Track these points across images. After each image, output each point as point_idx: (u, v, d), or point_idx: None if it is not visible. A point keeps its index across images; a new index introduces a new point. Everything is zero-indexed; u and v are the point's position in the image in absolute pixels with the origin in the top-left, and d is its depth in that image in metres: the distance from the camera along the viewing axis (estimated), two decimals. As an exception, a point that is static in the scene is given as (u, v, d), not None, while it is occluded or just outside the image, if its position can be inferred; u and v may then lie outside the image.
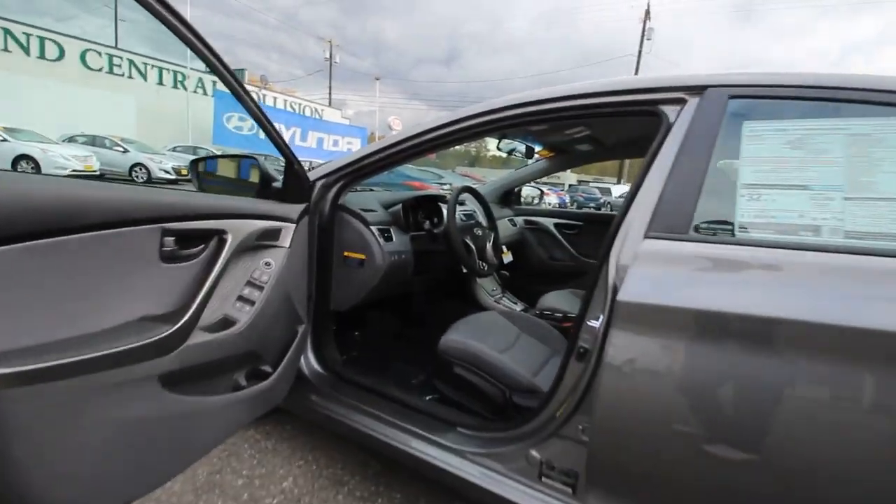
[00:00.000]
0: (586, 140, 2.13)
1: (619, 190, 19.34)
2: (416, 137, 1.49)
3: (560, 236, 2.76)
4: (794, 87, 1.03)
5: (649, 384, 0.97)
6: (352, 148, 21.94)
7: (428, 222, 1.94)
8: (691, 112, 1.11)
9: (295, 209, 1.41)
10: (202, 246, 1.10)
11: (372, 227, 1.68)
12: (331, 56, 28.60)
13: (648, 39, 23.67)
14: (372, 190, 2.28)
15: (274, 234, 1.30)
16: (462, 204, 2.41)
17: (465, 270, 2.13)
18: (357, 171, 1.59)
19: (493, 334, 1.71)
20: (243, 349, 1.19)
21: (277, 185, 1.44)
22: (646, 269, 1.02)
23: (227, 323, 1.14)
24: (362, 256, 1.67)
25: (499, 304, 2.17)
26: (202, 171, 1.50)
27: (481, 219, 2.22)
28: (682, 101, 1.15)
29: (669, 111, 1.15)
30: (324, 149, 20.17)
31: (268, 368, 1.33)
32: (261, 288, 1.22)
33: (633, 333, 0.99)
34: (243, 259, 1.22)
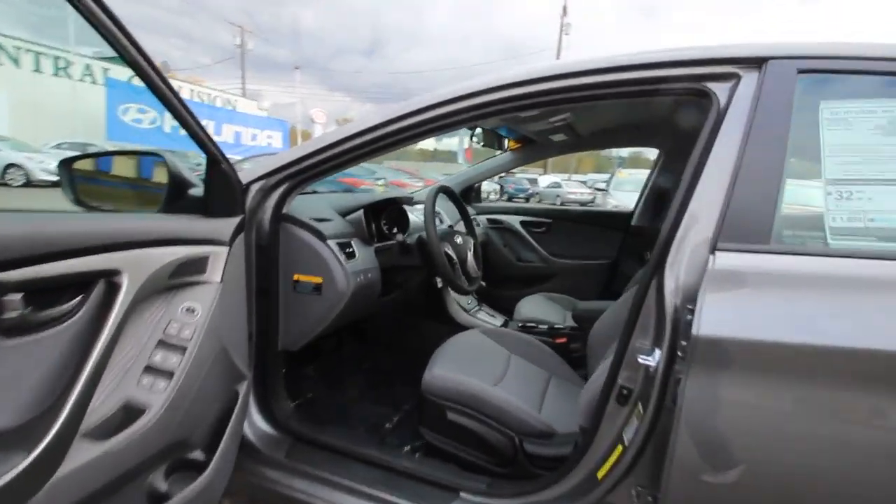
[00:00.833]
0: (570, 127, 1.90)
1: (547, 180, 19.92)
2: (382, 127, 1.14)
3: (528, 235, 2.54)
4: (879, 60, 0.84)
5: (751, 446, 0.74)
6: (272, 143, 20.47)
7: (394, 230, 1.60)
8: (751, 91, 0.89)
9: (226, 225, 1.01)
10: (78, 299, 0.69)
11: (330, 242, 1.31)
12: (242, 42, 26.43)
13: (566, 34, 24.60)
14: (315, 192, 1.88)
15: (197, 266, 0.91)
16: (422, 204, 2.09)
17: (439, 285, 1.82)
18: (306, 171, 1.21)
19: (481, 362, 1.43)
20: (160, 445, 0.80)
21: (197, 191, 1.03)
22: (727, 291, 0.78)
23: (130, 413, 0.74)
24: (318, 280, 1.30)
25: (475, 319, 1.89)
26: (79, 176, 1.05)
27: (450, 222, 1.92)
28: (733, 77, 0.92)
29: (719, 90, 0.93)
30: (242, 143, 18.60)
31: (199, 456, 0.93)
32: (181, 349, 0.83)
33: (722, 378, 0.76)
34: (150, 309, 0.82)
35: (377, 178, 9.36)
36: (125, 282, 0.73)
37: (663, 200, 2.22)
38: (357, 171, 9.31)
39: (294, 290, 1.31)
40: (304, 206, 1.40)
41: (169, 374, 0.80)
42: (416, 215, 1.87)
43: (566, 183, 19.18)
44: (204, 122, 0.94)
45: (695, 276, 0.82)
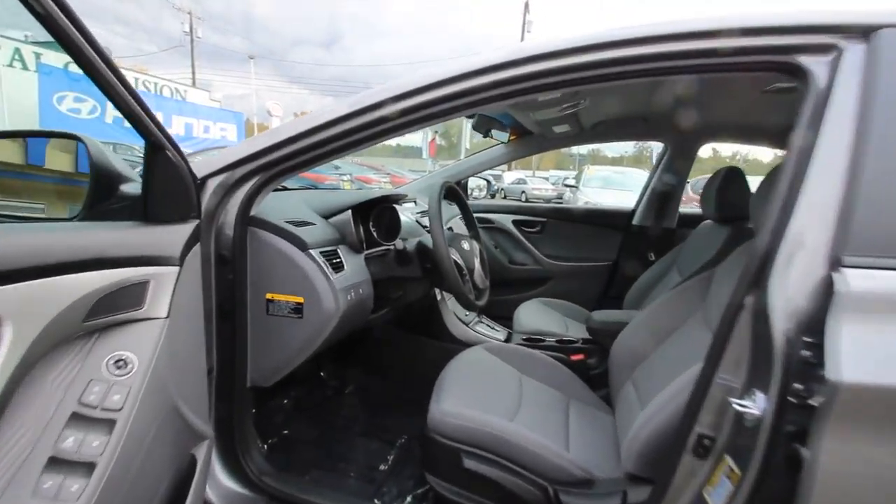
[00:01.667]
0: (577, 117, 1.70)
1: (511, 176, 19.90)
2: (391, 104, 0.90)
3: (521, 236, 2.34)
4: None
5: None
6: (226, 135, 19.36)
7: (384, 235, 1.35)
8: (858, 67, 0.71)
9: (174, 236, 0.74)
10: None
11: (312, 252, 1.05)
12: (192, 29, 24.88)
13: (529, 32, 24.73)
14: (285, 188, 1.59)
15: (131, 297, 0.63)
16: (412, 202, 1.84)
17: (439, 297, 1.58)
18: (284, 161, 0.95)
19: (493, 389, 1.21)
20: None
21: (132, 189, 0.75)
22: (867, 321, 0.60)
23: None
24: (298, 300, 1.03)
25: (475, 333, 1.67)
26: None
27: (454, 225, 1.68)
28: (831, 50, 0.74)
29: (815, 65, 0.74)
30: (194, 136, 17.52)
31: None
32: (108, 423, 0.55)
33: (877, 440, 0.57)
34: (57, 369, 0.54)
35: (342, 174, 8.92)
36: (6, 335, 0.45)
37: (669, 199, 2.07)
38: (319, 166, 8.88)
39: (267, 313, 1.04)
40: (276, 206, 1.12)
41: (88, 467, 0.52)
42: (405, 215, 1.62)
43: (530, 179, 19.26)
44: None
45: (813, 300, 0.62)
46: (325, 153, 0.94)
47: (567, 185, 10.08)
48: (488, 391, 1.19)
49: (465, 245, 1.26)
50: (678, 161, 2.01)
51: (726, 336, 0.74)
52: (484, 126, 1.69)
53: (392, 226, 1.42)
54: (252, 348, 1.04)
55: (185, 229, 0.76)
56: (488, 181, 2.58)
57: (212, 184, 0.92)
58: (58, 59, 13.18)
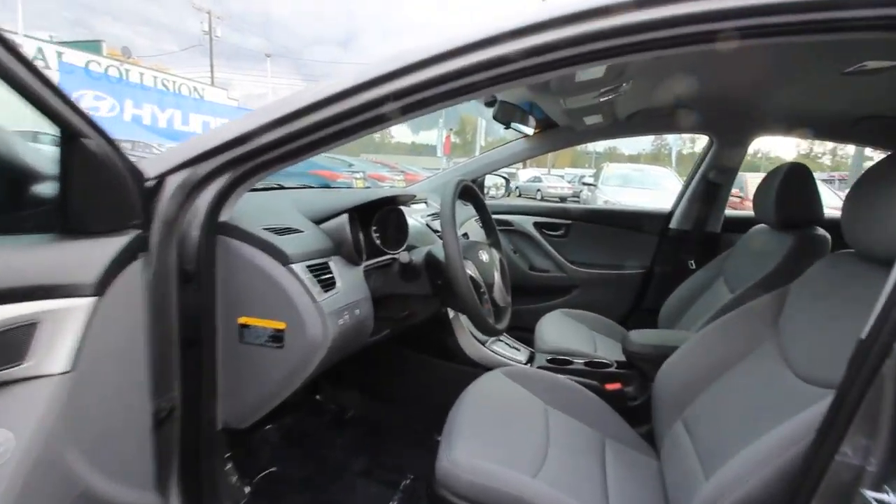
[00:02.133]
0: (612, 107, 1.48)
1: (527, 174, 19.61)
2: (386, 82, 0.70)
3: (543, 239, 2.12)
4: None
5: None
6: (243, 133, 19.44)
7: (390, 242, 1.15)
8: None
9: (93, 253, 0.55)
10: None
11: (296, 267, 0.85)
12: (210, 28, 25.14)
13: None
14: (280, 187, 1.41)
15: (5, 348, 0.44)
16: (422, 203, 1.63)
17: (451, 314, 1.38)
18: (256, 156, 0.76)
19: (515, 429, 1.01)
20: None
21: (42, 190, 0.57)
22: None
23: None
24: (279, 325, 0.84)
25: (493, 355, 1.46)
26: None
27: (470, 229, 1.48)
28: None
29: None
30: (208, 134, 17.58)
31: None
32: None
33: None
34: None
35: (354, 172, 8.75)
36: None
37: (713, 200, 1.83)
38: (331, 162, 8.70)
39: (241, 341, 0.85)
40: (255, 209, 0.93)
41: None
42: (414, 219, 1.42)
43: (546, 177, 18.96)
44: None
45: None
46: (307, 144, 0.74)
47: (585, 184, 9.77)
48: (509, 432, 0.99)
49: (484, 255, 1.06)
50: (726, 156, 1.77)
51: (859, 395, 0.52)
52: (506, 115, 1.48)
53: (399, 231, 1.22)
54: (223, 384, 0.86)
55: (114, 243, 0.57)
56: (506, 179, 2.36)
57: (171, 183, 0.73)
58: (79, 58, 13.39)
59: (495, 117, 1.49)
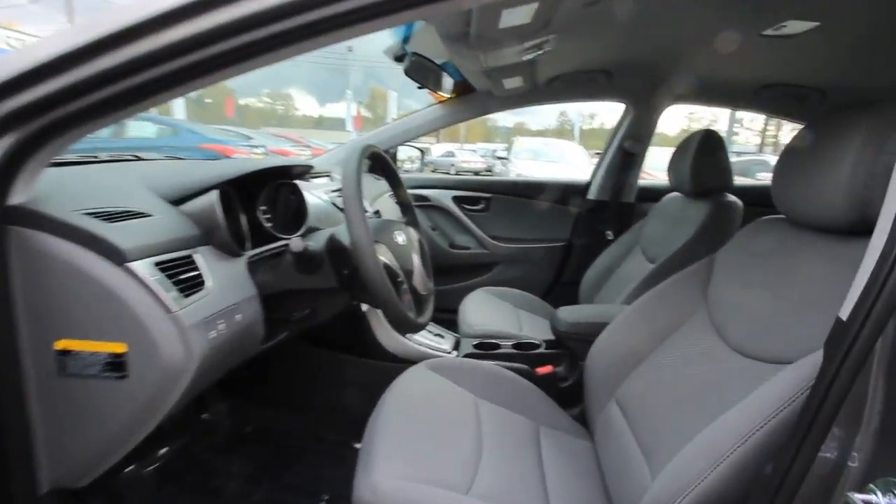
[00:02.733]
0: (532, 69, 1.35)
1: (440, 149, 19.49)
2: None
3: (463, 214, 1.99)
4: None
5: None
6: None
7: (284, 224, 0.93)
8: None
9: None
10: None
11: (137, 266, 0.61)
12: (62, -25, 21.10)
13: None
14: (138, 159, 1.09)
15: None
16: (324, 177, 1.40)
17: (371, 311, 1.19)
18: (53, 105, 0.50)
19: (444, 433, 0.90)
20: None
21: None
22: None
23: None
24: (117, 348, 0.60)
25: (413, 345, 1.31)
26: None
27: (373, 207, 1.28)
28: None
29: None
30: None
31: None
32: None
33: None
34: None
35: (253, 146, 7.91)
36: None
37: (629, 170, 1.82)
38: (224, 135, 7.77)
39: (61, 373, 0.60)
40: (76, 187, 0.67)
41: None
42: (315, 195, 1.19)
43: (459, 152, 19.03)
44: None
45: None
46: (134, 89, 0.50)
47: (498, 157, 9.92)
48: (437, 437, 0.86)
49: (399, 237, 0.88)
50: (641, 125, 1.75)
51: (847, 383, 0.45)
52: (419, 72, 1.29)
53: (296, 211, 1.00)
54: (43, 433, 0.60)
55: None
56: (421, 150, 2.19)
57: None
58: None
59: (407, 73, 1.29)
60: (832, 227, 0.70)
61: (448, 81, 1.48)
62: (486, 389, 1.06)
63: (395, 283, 0.80)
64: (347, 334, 1.22)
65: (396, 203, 1.07)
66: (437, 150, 19.38)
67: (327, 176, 1.37)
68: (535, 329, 1.55)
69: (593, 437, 1.01)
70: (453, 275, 2.02)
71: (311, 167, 1.04)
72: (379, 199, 1.46)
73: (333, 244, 0.83)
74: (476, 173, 15.85)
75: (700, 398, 0.76)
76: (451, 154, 18.05)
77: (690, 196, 1.43)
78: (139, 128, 6.89)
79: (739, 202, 1.32)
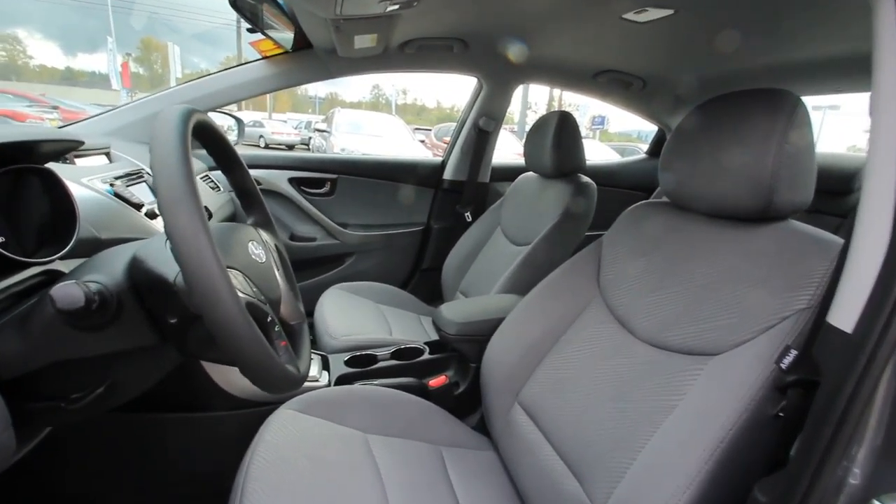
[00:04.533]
0: (390, 24, 1.11)
1: (245, 117, 17.26)
2: None
3: (303, 199, 1.66)
4: None
5: None
6: None
7: (29, 241, 0.53)
8: None
9: None
10: None
11: None
12: None
13: None
14: None
15: None
16: (100, 155, 0.94)
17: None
18: None
19: (331, 493, 0.69)
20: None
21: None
22: None
23: None
24: None
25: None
26: None
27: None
28: None
29: None
30: None
31: None
32: None
33: None
34: None
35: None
36: None
37: (483, 148, 1.76)
38: None
39: None
40: None
41: None
42: (86, 186, 0.76)
43: (268, 122, 17.16)
44: None
45: None
46: None
47: (318, 130, 9.20)
48: (328, 496, 0.65)
49: (256, 250, 0.58)
50: (495, 103, 1.70)
51: (850, 398, 0.41)
52: (247, 5, 0.92)
53: (55, 215, 0.60)
54: None
55: None
56: (237, 120, 1.74)
57: None
58: None
59: (233, 4, 0.91)
60: (732, 213, 0.70)
61: (286, 26, 1.14)
62: (375, 420, 0.87)
63: (266, 328, 0.52)
64: (174, 384, 0.84)
65: (231, 195, 0.73)
66: (272, 126, 17.01)
67: (104, 153, 0.91)
68: (407, 327, 1.39)
69: (497, 444, 0.92)
70: (298, 272, 1.69)
71: (78, 142, 0.62)
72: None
73: (140, 274, 0.49)
74: (290, 147, 14.49)
75: (621, 398, 0.71)
76: (258, 124, 16.10)
77: (548, 176, 1.44)
78: None
79: (594, 183, 1.38)
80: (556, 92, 10.39)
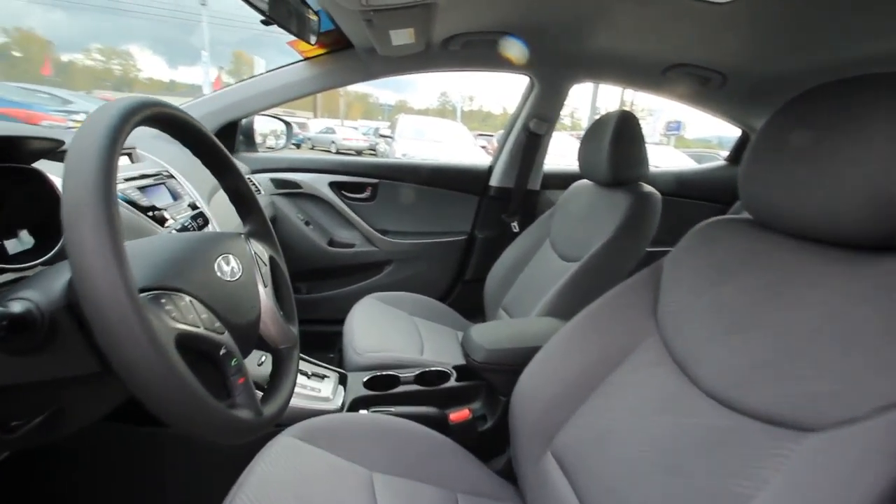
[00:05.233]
0: (426, 20, 1.03)
1: (319, 124, 18.26)
2: None
3: (343, 204, 1.62)
4: None
5: None
6: None
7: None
8: None
9: None
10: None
11: None
12: None
13: None
14: None
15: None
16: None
17: None
18: None
19: None
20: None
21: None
22: None
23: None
24: None
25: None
26: None
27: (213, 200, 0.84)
28: None
29: None
30: None
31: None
32: None
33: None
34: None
35: (73, 113, 6.24)
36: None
37: (534, 153, 1.62)
38: (31, 97, 6.01)
39: None
40: None
41: None
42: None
43: (339, 129, 18.02)
44: None
45: None
46: None
47: (382, 136, 9.45)
48: None
49: (226, 265, 0.50)
50: (548, 102, 1.55)
51: None
52: (280, 7, 0.87)
53: (50, 219, 0.57)
54: None
55: None
56: (287, 123, 1.74)
57: None
58: None
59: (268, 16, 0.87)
60: (841, 238, 0.52)
61: (313, 26, 1.09)
62: (383, 455, 0.77)
63: (217, 361, 0.44)
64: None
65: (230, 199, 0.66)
66: (315, 125, 18.09)
67: (126, 153, 0.90)
68: (440, 345, 1.28)
69: (524, 496, 0.78)
70: (335, 279, 1.65)
71: (57, 142, 0.59)
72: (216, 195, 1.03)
73: (60, 297, 0.42)
74: (359, 152, 15.09)
75: (677, 471, 0.54)
76: (330, 130, 16.96)
77: (604, 184, 1.27)
78: None
79: (658, 193, 1.19)
80: (630, 94, 9.81)
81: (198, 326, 0.42)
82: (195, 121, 0.53)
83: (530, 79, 1.54)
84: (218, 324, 0.45)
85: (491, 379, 0.96)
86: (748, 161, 0.62)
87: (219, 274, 0.49)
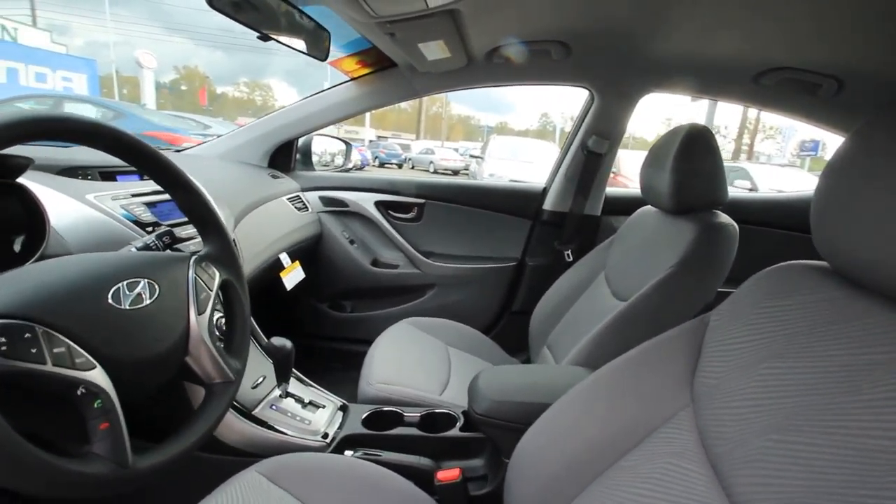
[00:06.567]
0: (463, 37, 0.96)
1: (420, 145, 19.16)
2: None
3: (388, 224, 1.59)
4: None
5: None
6: (71, 86, 15.98)
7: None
8: None
9: None
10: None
11: None
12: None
13: None
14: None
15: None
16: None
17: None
18: None
19: None
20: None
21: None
22: None
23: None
24: None
25: (262, 433, 0.87)
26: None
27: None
28: None
29: None
30: (20, 83, 14.20)
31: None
32: None
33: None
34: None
35: (208, 136, 7.31)
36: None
37: (592, 173, 1.44)
38: (177, 122, 7.15)
39: None
40: None
41: None
42: (96, 204, 0.77)
43: (439, 150, 18.72)
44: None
45: None
46: None
47: (473, 156, 9.55)
48: None
49: (129, 291, 0.45)
50: (610, 117, 1.37)
51: None
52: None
53: (37, 234, 0.59)
54: None
55: None
56: (346, 143, 1.78)
57: None
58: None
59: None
60: None
61: (322, 43, 1.06)
62: None
63: (66, 401, 0.38)
64: (156, 408, 0.80)
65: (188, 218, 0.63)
66: (417, 146, 19.03)
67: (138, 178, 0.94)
68: (466, 381, 1.16)
69: None
70: (375, 299, 1.61)
71: (26, 159, 0.61)
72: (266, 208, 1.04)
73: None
74: (455, 172, 15.53)
75: None
76: (430, 151, 17.71)
77: (668, 211, 1.06)
78: (76, 110, 6.33)
79: (734, 224, 0.96)
80: (754, 112, 8.67)
81: (41, 363, 0.37)
82: (133, 137, 0.51)
83: (589, 91, 1.38)
84: (83, 359, 0.40)
85: (493, 436, 0.82)
86: (822, 190, 0.44)
87: (110, 301, 0.45)
